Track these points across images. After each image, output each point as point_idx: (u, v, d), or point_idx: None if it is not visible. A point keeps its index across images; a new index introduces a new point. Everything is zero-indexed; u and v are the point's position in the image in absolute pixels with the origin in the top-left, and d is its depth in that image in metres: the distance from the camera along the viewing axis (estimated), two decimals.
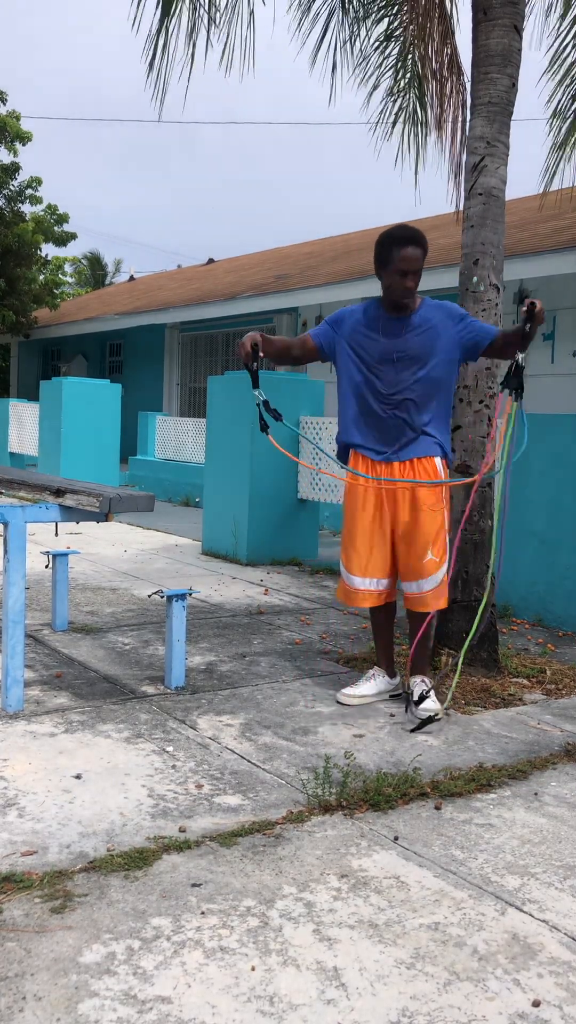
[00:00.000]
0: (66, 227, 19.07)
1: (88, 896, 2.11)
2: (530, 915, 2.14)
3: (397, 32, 5.73)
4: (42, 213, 18.74)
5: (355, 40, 5.86)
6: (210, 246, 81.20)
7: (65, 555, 4.64)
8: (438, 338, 3.55)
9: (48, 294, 18.91)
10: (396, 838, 2.49)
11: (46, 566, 4.98)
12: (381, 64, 5.83)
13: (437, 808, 2.70)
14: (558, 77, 5.79)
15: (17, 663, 3.32)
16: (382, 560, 3.63)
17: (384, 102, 5.90)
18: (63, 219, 18.95)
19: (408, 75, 5.80)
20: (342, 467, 3.71)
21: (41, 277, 19.36)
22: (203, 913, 2.07)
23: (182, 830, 2.46)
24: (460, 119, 5.41)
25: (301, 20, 5.81)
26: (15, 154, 17.43)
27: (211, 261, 23.38)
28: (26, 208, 18.15)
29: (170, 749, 3.05)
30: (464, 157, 4.43)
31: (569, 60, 5.74)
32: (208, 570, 6.64)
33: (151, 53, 5.41)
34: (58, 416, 11.07)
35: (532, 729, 3.47)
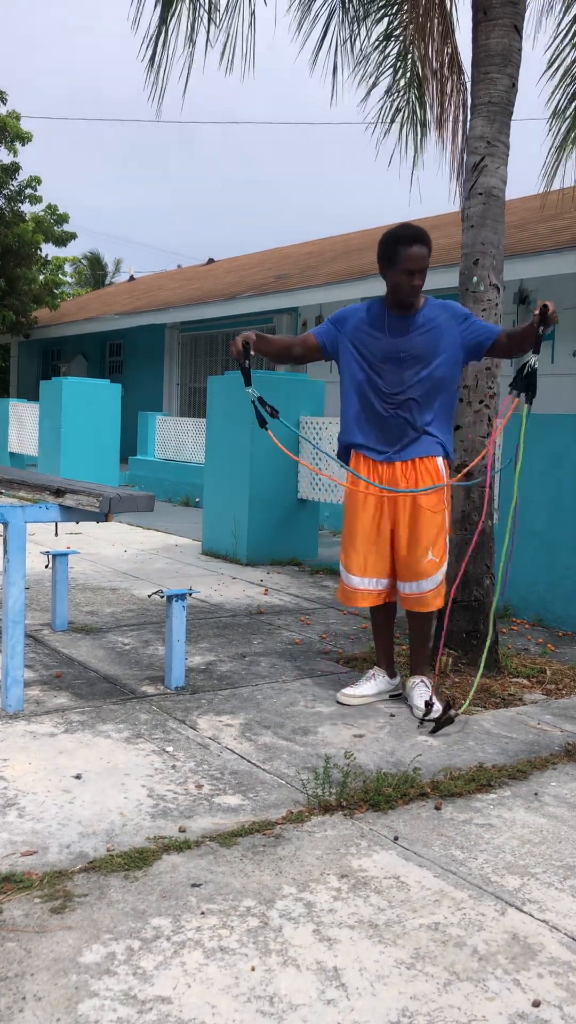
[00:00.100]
0: (66, 227, 19.08)
1: (88, 896, 2.11)
2: (530, 915, 2.14)
3: (397, 32, 5.73)
4: (42, 213, 18.74)
5: (355, 40, 5.86)
6: (210, 246, 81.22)
7: (65, 555, 4.64)
8: (441, 337, 3.54)
9: (48, 294, 18.91)
10: (396, 838, 2.49)
11: (46, 566, 4.98)
12: (381, 64, 5.83)
13: (437, 808, 2.70)
14: (556, 79, 5.79)
15: (17, 663, 3.32)
16: (381, 560, 3.63)
17: (382, 101, 5.90)
18: (63, 219, 18.94)
19: (407, 74, 5.80)
20: (342, 466, 3.70)
21: (41, 277, 19.35)
22: (203, 913, 2.07)
23: (182, 830, 2.46)
24: (461, 118, 5.40)
25: (301, 20, 5.81)
26: (15, 154, 17.43)
27: (211, 261, 23.38)
28: (26, 208, 18.16)
29: (170, 749, 3.05)
30: (465, 157, 4.43)
31: (568, 59, 5.74)
32: (208, 570, 6.64)
33: (151, 53, 5.41)
34: (58, 416, 11.07)
35: (532, 729, 3.46)
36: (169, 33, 5.39)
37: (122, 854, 2.30)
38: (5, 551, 3.29)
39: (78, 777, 2.78)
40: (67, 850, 2.33)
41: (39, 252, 18.59)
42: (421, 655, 3.73)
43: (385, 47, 5.80)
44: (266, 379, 7.09)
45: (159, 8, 5.36)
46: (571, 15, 5.58)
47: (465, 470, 3.98)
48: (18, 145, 17.30)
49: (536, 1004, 1.80)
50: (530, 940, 2.04)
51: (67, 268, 26.58)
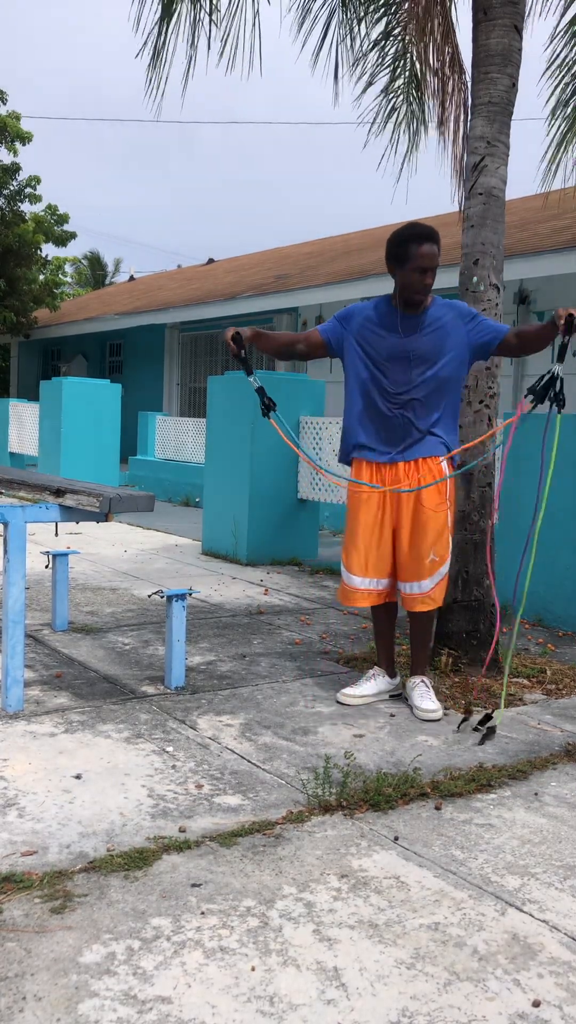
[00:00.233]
0: (66, 227, 19.07)
1: (88, 896, 2.11)
2: (530, 915, 2.14)
3: (396, 31, 5.72)
4: (42, 213, 18.74)
5: (354, 40, 5.86)
6: (210, 246, 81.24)
7: (65, 555, 4.64)
8: (448, 337, 3.54)
9: (48, 294, 18.91)
10: (396, 838, 2.49)
11: (46, 566, 4.98)
12: (380, 63, 5.83)
13: (437, 808, 2.70)
14: (555, 80, 5.79)
15: (17, 663, 3.32)
16: (382, 560, 3.63)
17: (381, 100, 5.90)
18: (63, 219, 18.94)
19: (406, 73, 5.80)
20: (338, 477, 3.70)
21: (41, 277, 19.35)
22: (203, 913, 2.07)
23: (182, 830, 2.46)
24: (462, 118, 5.40)
25: (302, 20, 5.81)
26: (15, 154, 17.43)
27: (211, 261, 23.38)
28: (26, 207, 18.15)
29: (170, 749, 3.05)
30: (465, 157, 4.43)
31: (564, 59, 5.74)
32: (208, 570, 6.64)
33: (151, 53, 5.41)
34: (58, 416, 11.07)
35: (532, 729, 3.46)
36: (169, 33, 5.39)
37: (122, 854, 2.30)
38: (5, 551, 3.29)
39: (78, 777, 2.78)
40: (67, 850, 2.33)
41: (39, 252, 18.58)
42: (422, 655, 3.73)
43: (384, 47, 5.80)
44: (265, 379, 7.06)
45: (159, 8, 5.37)
46: (570, 15, 5.58)
47: (460, 461, 3.98)
48: (18, 145, 17.30)
49: (536, 1004, 1.80)
50: (530, 940, 2.04)
51: (67, 268, 26.58)
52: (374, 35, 5.78)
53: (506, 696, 3.83)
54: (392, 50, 5.78)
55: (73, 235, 19.26)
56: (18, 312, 18.11)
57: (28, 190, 17.76)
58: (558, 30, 5.59)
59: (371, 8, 5.76)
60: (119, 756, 2.96)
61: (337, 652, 4.46)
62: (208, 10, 5.41)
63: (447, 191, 5.61)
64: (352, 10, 5.80)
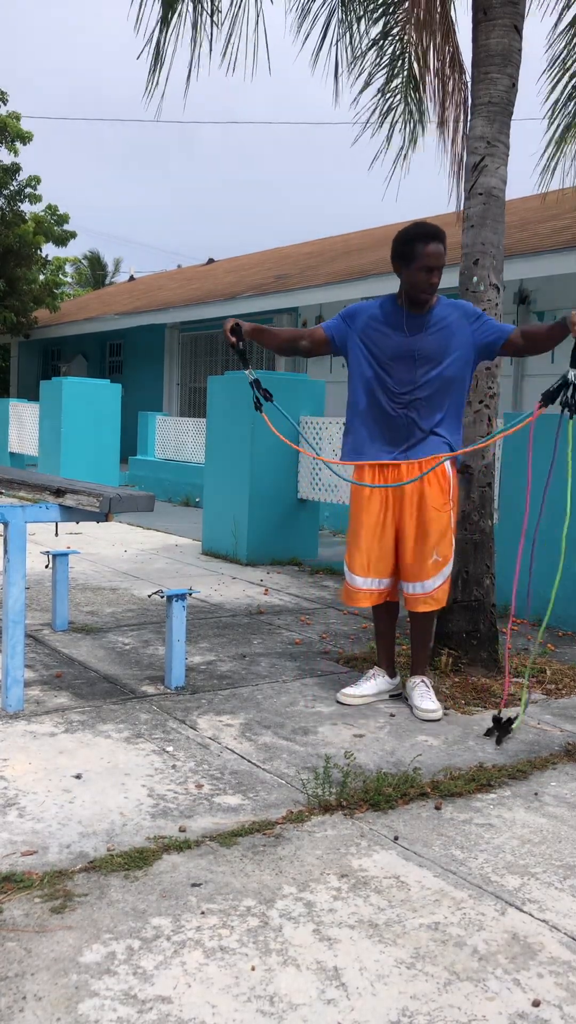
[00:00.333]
0: (66, 227, 19.08)
1: (88, 896, 2.11)
2: (530, 915, 2.14)
3: (394, 31, 5.72)
4: (42, 213, 18.73)
5: (353, 39, 5.85)
6: (210, 246, 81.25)
7: (65, 555, 4.64)
8: (453, 337, 3.53)
9: (48, 294, 18.91)
10: (396, 838, 2.49)
11: (46, 566, 4.98)
12: (379, 63, 5.83)
13: (437, 808, 2.70)
14: (553, 80, 5.80)
15: (17, 663, 3.32)
16: (384, 560, 3.62)
17: (379, 100, 5.89)
18: (63, 219, 18.94)
19: (404, 72, 5.79)
20: (339, 475, 3.70)
21: (41, 277, 19.35)
22: (203, 913, 2.07)
23: (182, 830, 2.46)
24: (461, 119, 5.40)
25: (301, 20, 5.80)
26: (15, 154, 17.43)
27: (211, 261, 23.38)
28: (26, 207, 18.15)
29: (170, 749, 3.05)
30: (465, 157, 4.43)
31: (558, 58, 5.75)
32: (208, 570, 6.64)
33: (152, 54, 5.41)
34: (58, 416, 11.08)
35: (532, 729, 3.46)
36: (169, 34, 5.39)
37: (122, 854, 2.30)
38: (5, 551, 3.29)
39: (78, 777, 2.78)
40: (67, 850, 2.33)
41: (39, 252, 18.59)
42: (422, 655, 3.73)
43: (383, 46, 5.79)
44: (265, 378, 7.05)
45: (160, 9, 5.37)
46: (570, 15, 5.58)
47: (463, 462, 3.98)
48: (18, 145, 17.30)
49: (536, 1004, 1.80)
50: (530, 940, 2.04)
51: (68, 268, 26.58)
52: (373, 34, 5.78)
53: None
54: (391, 49, 5.78)
55: (73, 235, 19.26)
56: (18, 312, 18.11)
57: (28, 190, 17.76)
58: (559, 29, 5.59)
59: (370, 7, 5.76)
60: (119, 756, 2.97)
61: (337, 652, 4.46)
62: (210, 11, 5.41)
63: (446, 191, 5.61)
64: (352, 9, 5.80)
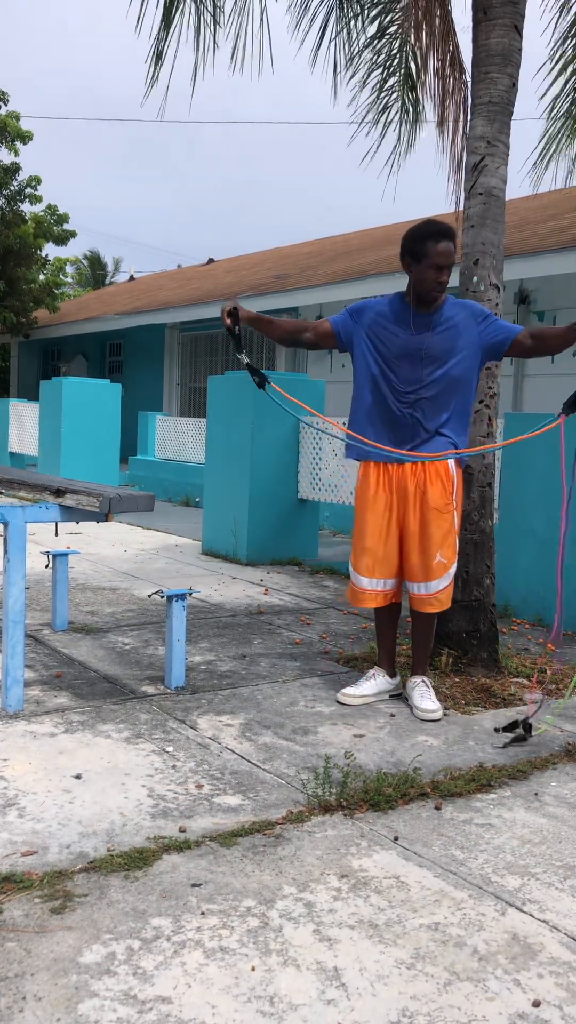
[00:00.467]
0: (66, 227, 19.08)
1: (88, 896, 2.11)
2: (530, 915, 2.14)
3: (392, 30, 5.71)
4: (42, 213, 18.73)
5: (351, 38, 5.85)
6: (210, 246, 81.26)
7: (65, 555, 4.64)
8: (460, 336, 3.53)
9: (48, 295, 18.91)
10: (396, 838, 2.49)
11: (46, 566, 4.98)
12: (377, 61, 5.81)
13: (437, 808, 2.70)
14: (552, 79, 5.80)
15: (17, 663, 3.32)
16: (389, 561, 3.62)
17: (377, 99, 5.88)
18: (63, 219, 18.95)
19: (401, 71, 5.79)
20: (360, 442, 3.63)
21: (41, 277, 19.34)
22: (203, 913, 2.07)
23: (182, 830, 2.46)
24: (461, 118, 5.40)
25: (300, 19, 5.80)
26: (16, 153, 17.44)
27: (211, 261, 23.39)
28: (26, 207, 18.15)
29: (170, 749, 3.05)
30: (465, 157, 4.43)
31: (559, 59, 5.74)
32: (208, 570, 6.64)
33: (153, 53, 5.41)
34: (58, 416, 11.08)
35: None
36: (171, 33, 5.39)
37: (122, 854, 2.30)
38: (5, 551, 3.29)
39: (78, 777, 2.78)
40: (67, 850, 2.33)
41: (39, 253, 18.59)
42: (423, 655, 3.73)
43: (380, 45, 5.79)
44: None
45: (161, 10, 5.37)
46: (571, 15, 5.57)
47: (467, 464, 3.98)
48: (18, 144, 17.30)
49: (536, 1004, 1.80)
50: (530, 940, 2.04)
51: (68, 269, 26.58)
52: (370, 32, 5.77)
53: (505, 696, 3.82)
54: (388, 48, 5.77)
55: (73, 234, 19.27)
56: (18, 312, 18.11)
57: (28, 190, 17.77)
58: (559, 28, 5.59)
59: (368, 5, 5.74)
60: (119, 756, 2.96)
61: (337, 652, 4.46)
62: (211, 11, 5.41)
63: (447, 191, 5.60)
64: (350, 7, 5.79)
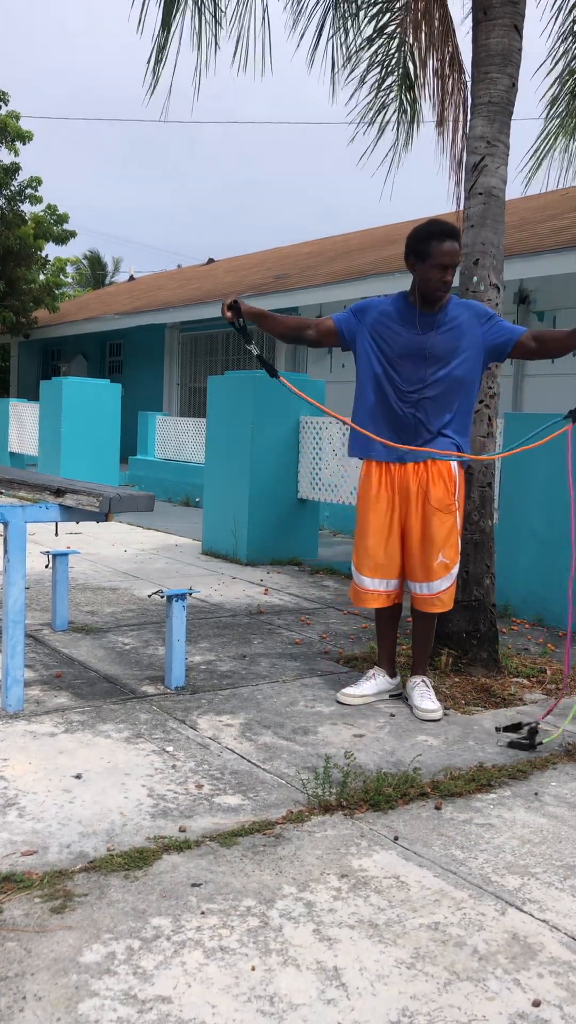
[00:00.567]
0: (66, 227, 19.08)
1: (88, 896, 2.11)
2: (530, 915, 2.14)
3: (390, 29, 5.71)
4: (42, 213, 18.73)
5: (347, 38, 5.83)
6: (210, 246, 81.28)
7: (65, 555, 4.64)
8: (463, 336, 3.52)
9: (48, 295, 18.91)
10: (396, 838, 2.49)
11: (46, 566, 4.98)
12: (375, 61, 5.81)
13: (437, 808, 2.70)
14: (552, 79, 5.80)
15: (17, 663, 3.32)
16: (391, 561, 3.62)
17: (371, 98, 5.87)
18: (63, 219, 18.95)
19: (399, 70, 5.79)
20: (365, 432, 3.61)
21: (41, 277, 19.34)
22: (203, 913, 2.07)
23: (182, 830, 2.46)
24: (461, 118, 5.40)
25: (297, 18, 5.78)
26: (16, 153, 17.44)
27: (211, 261, 23.39)
28: (26, 208, 18.15)
29: (170, 749, 3.05)
30: (465, 156, 4.43)
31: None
32: (208, 570, 6.64)
33: (154, 55, 5.41)
34: (58, 416, 11.08)
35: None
36: (172, 32, 5.39)
37: (122, 854, 2.30)
38: (5, 551, 3.29)
39: (78, 777, 2.78)
40: (67, 850, 2.33)
41: (39, 253, 18.59)
42: (423, 655, 3.73)
43: (379, 45, 5.78)
44: (265, 378, 7.08)
45: (161, 11, 5.37)
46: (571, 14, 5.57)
47: (469, 465, 3.98)
48: (18, 145, 17.31)
49: (536, 1004, 1.80)
50: (530, 940, 2.04)
51: (69, 269, 26.57)
52: (368, 32, 5.76)
53: (505, 696, 3.82)
54: (386, 48, 5.76)
55: (73, 234, 19.27)
56: (18, 312, 18.11)
57: (29, 191, 17.77)
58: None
59: (365, 5, 5.73)
60: (119, 756, 2.97)
61: (337, 652, 4.46)
62: (212, 11, 5.41)
63: (446, 191, 5.60)
64: (346, 6, 5.77)
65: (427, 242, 3.44)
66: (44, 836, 2.39)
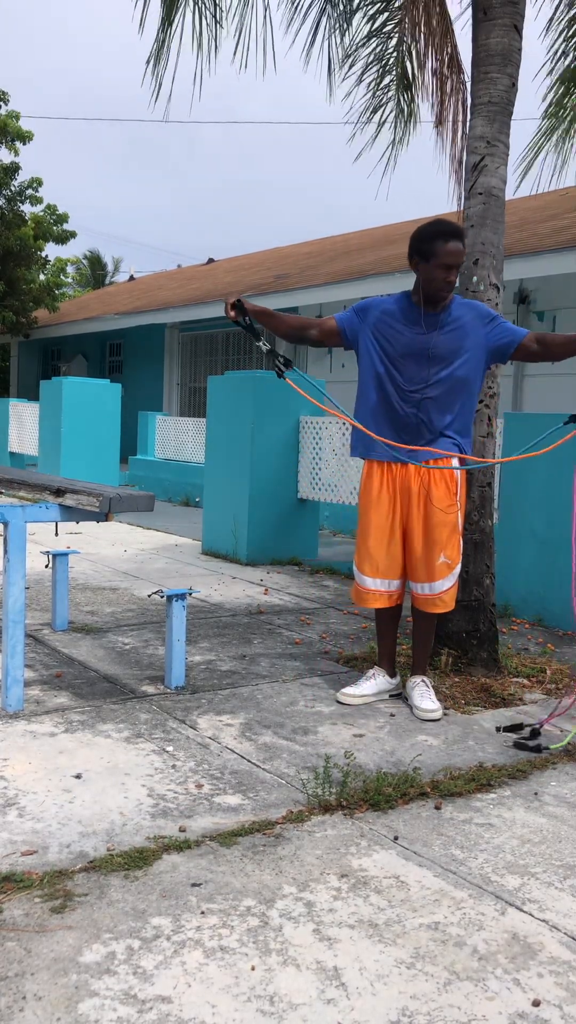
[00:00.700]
0: (65, 226, 19.08)
1: (88, 896, 2.11)
2: (530, 915, 2.14)
3: (388, 28, 5.70)
4: (41, 213, 18.73)
5: (345, 35, 5.82)
6: (210, 246, 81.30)
7: (65, 555, 4.64)
8: (466, 337, 3.52)
9: (48, 295, 18.91)
10: (396, 838, 2.49)
11: (46, 566, 4.98)
12: (371, 60, 5.79)
13: (437, 808, 2.70)
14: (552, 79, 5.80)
15: (17, 663, 3.32)
16: (393, 561, 3.62)
17: (368, 97, 5.87)
18: (63, 219, 18.95)
19: (397, 69, 5.78)
20: (368, 432, 3.61)
21: (42, 277, 19.34)
22: (203, 913, 2.07)
23: (182, 830, 2.46)
24: (461, 118, 5.40)
25: (292, 17, 5.76)
26: (16, 153, 17.44)
27: (211, 261, 23.39)
28: (26, 208, 18.15)
29: (170, 749, 3.05)
30: (465, 156, 4.42)
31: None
32: (208, 570, 6.64)
33: (154, 55, 5.41)
34: (58, 416, 11.08)
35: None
36: (172, 34, 5.39)
37: (122, 854, 2.30)
38: (5, 551, 3.29)
39: (78, 777, 2.78)
40: (67, 850, 2.33)
41: (39, 253, 18.58)
42: (423, 655, 3.73)
43: (376, 44, 5.77)
44: (266, 378, 7.09)
45: (162, 10, 5.36)
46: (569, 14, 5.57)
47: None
48: (18, 144, 17.31)
49: (536, 1004, 1.80)
50: (530, 940, 2.04)
51: (69, 270, 26.56)
52: (364, 31, 5.75)
53: (505, 695, 3.82)
54: (385, 47, 5.75)
55: (73, 234, 19.27)
56: (18, 312, 18.11)
57: (29, 191, 17.77)
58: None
59: (364, 4, 5.72)
60: (119, 756, 2.97)
61: (337, 652, 4.46)
62: (212, 11, 5.41)
63: (447, 191, 5.60)
64: (342, 5, 5.75)
65: (431, 242, 3.44)
66: (44, 836, 2.39)
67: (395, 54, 5.70)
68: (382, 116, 5.87)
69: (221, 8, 5.46)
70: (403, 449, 3.54)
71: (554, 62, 5.76)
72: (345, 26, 5.76)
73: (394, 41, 5.69)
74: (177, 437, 11.91)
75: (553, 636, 5.02)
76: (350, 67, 5.79)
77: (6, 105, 17.13)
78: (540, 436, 3.73)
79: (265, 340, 3.58)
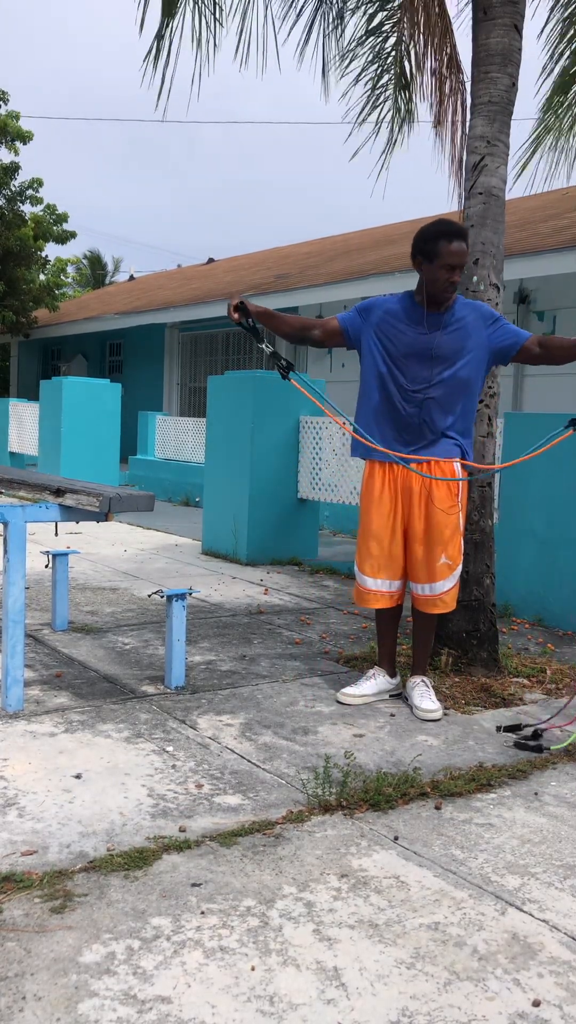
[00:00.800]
0: (65, 226, 19.08)
1: (88, 896, 2.11)
2: (530, 915, 2.14)
3: (386, 28, 5.69)
4: (41, 213, 18.73)
5: (340, 33, 5.80)
6: (210, 246, 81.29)
7: (65, 555, 4.64)
8: (468, 338, 3.52)
9: (48, 295, 18.91)
10: (396, 838, 2.49)
11: (46, 566, 4.98)
12: (368, 59, 5.78)
13: (437, 808, 2.70)
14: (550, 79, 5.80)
15: (17, 663, 3.32)
16: (394, 562, 3.61)
17: (366, 97, 5.85)
18: (63, 219, 18.95)
19: (396, 68, 5.77)
20: (370, 442, 3.61)
21: (41, 277, 19.34)
22: (203, 913, 2.07)
23: (182, 830, 2.46)
24: (460, 118, 5.40)
25: (286, 14, 5.75)
26: (16, 153, 17.44)
27: (211, 261, 23.39)
28: (26, 208, 18.15)
29: (170, 749, 3.05)
30: (465, 156, 4.42)
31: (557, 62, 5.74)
32: (208, 570, 6.64)
33: (154, 55, 5.41)
34: (58, 416, 11.08)
35: (532, 729, 3.46)
36: (172, 32, 5.38)
37: (122, 854, 2.30)
38: (5, 551, 3.29)
39: (78, 777, 2.78)
40: (67, 850, 2.33)
41: (39, 253, 18.58)
42: (423, 655, 3.73)
43: (374, 43, 5.76)
44: (265, 378, 7.09)
45: (162, 9, 5.36)
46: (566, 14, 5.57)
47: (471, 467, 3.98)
48: (18, 144, 17.31)
49: (536, 1004, 1.80)
50: (530, 940, 2.04)
51: (69, 269, 26.56)
52: (361, 30, 5.74)
53: (505, 695, 3.82)
54: (382, 46, 5.74)
55: (73, 234, 19.28)
56: (18, 312, 18.11)
57: (29, 191, 17.77)
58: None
59: (363, 3, 5.71)
60: (119, 756, 2.96)
61: (337, 652, 4.46)
62: (212, 11, 5.40)
63: (447, 191, 5.59)
64: (338, 4, 5.73)
65: (435, 242, 3.44)
66: (44, 836, 2.39)
67: (393, 53, 5.69)
68: (380, 115, 5.86)
69: (221, 8, 5.46)
70: (403, 457, 3.54)
71: (555, 61, 5.75)
72: (338, 22, 5.73)
73: (392, 40, 5.68)
74: (177, 437, 11.91)
75: (553, 636, 5.02)
76: (348, 65, 5.77)
77: (6, 105, 17.13)
78: (541, 440, 3.73)
79: (268, 342, 3.58)
